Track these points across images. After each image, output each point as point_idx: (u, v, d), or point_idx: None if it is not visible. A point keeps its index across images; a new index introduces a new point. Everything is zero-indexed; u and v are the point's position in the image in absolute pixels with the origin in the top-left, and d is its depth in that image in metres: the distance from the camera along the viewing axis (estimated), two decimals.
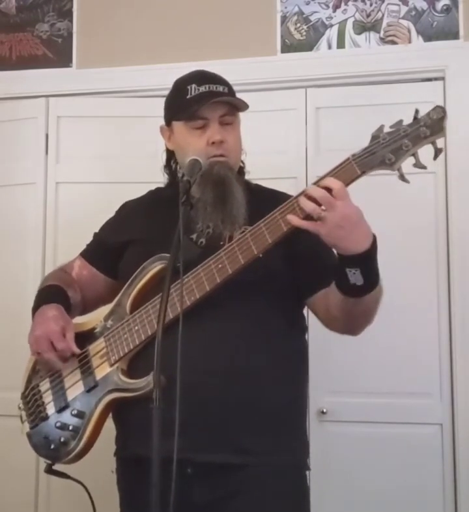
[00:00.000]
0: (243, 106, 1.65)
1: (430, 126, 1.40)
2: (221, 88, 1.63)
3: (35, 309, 1.67)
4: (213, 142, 1.60)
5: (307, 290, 1.62)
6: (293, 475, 1.58)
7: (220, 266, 1.49)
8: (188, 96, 1.62)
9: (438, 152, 1.42)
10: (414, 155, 1.42)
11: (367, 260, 1.41)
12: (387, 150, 1.41)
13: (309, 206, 1.38)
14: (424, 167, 1.41)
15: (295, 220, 1.41)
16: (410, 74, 2.61)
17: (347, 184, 1.41)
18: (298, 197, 1.42)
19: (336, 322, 1.59)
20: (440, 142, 1.42)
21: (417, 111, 1.41)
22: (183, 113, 1.63)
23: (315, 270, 1.59)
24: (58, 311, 1.62)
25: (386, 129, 1.43)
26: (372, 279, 1.44)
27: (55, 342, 1.56)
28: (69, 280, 1.77)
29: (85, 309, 1.78)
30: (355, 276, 1.41)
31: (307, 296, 1.63)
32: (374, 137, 1.43)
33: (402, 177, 1.42)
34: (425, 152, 1.43)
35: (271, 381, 1.54)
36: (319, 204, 1.37)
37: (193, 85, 1.62)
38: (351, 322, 1.57)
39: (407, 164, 1.43)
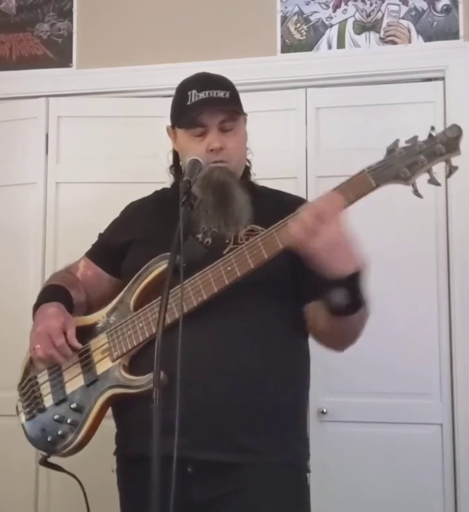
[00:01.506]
0: (241, 113, 1.66)
1: (446, 144, 1.42)
2: (221, 94, 1.62)
3: (36, 307, 1.67)
4: (212, 150, 1.60)
5: (305, 297, 1.62)
6: (293, 475, 1.58)
7: (229, 268, 1.48)
8: (188, 103, 1.61)
9: (452, 169, 1.43)
10: (429, 171, 1.43)
11: (352, 283, 1.42)
12: (403, 165, 1.42)
13: (307, 218, 1.38)
14: (438, 184, 1.43)
15: (292, 230, 1.41)
16: (410, 74, 2.61)
17: (360, 196, 1.43)
18: (289, 219, 1.44)
19: (321, 335, 1.61)
20: (454, 161, 1.43)
21: (432, 128, 1.43)
22: (182, 121, 1.64)
23: (313, 280, 1.59)
24: (59, 309, 1.62)
25: (401, 144, 1.44)
26: (357, 300, 1.45)
27: (53, 338, 1.56)
28: (72, 280, 1.77)
29: (89, 309, 1.77)
30: (340, 296, 1.43)
31: (304, 302, 1.63)
32: (390, 151, 1.44)
33: (416, 192, 1.44)
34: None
35: (272, 381, 1.54)
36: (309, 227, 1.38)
37: (194, 91, 1.61)
38: (334, 339, 1.59)
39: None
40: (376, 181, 1.43)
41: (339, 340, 1.60)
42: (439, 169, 1.43)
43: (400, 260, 2.53)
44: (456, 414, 2.46)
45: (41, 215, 2.76)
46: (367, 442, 2.50)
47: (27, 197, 2.78)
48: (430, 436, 2.48)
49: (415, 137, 1.44)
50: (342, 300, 1.42)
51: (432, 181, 1.43)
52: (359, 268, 1.40)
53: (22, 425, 1.66)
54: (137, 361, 1.57)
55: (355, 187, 1.43)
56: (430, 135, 1.43)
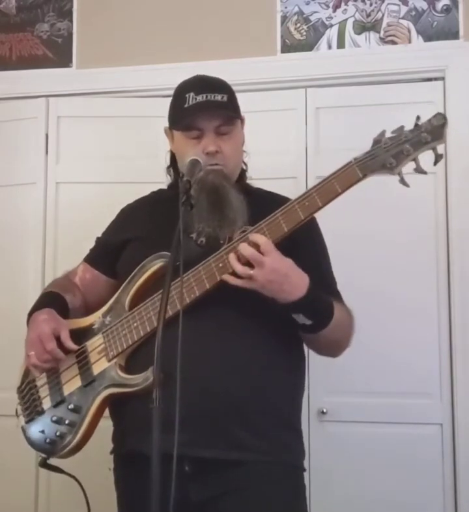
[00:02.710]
0: (238, 118, 1.66)
1: (431, 132, 1.43)
2: (219, 97, 1.62)
3: (29, 315, 1.68)
4: (207, 153, 1.61)
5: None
6: (292, 474, 1.58)
7: (221, 265, 1.49)
8: (185, 105, 1.62)
9: (438, 157, 1.45)
10: (415, 160, 1.45)
11: (306, 306, 1.47)
12: (389, 155, 1.45)
13: (239, 267, 1.45)
14: (424, 173, 1.45)
15: (231, 279, 1.46)
16: (410, 74, 2.61)
17: (348, 188, 1.45)
18: (229, 254, 1.48)
19: (308, 346, 1.68)
20: (440, 148, 1.44)
21: (418, 118, 1.44)
22: (179, 124, 1.65)
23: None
24: (50, 315, 1.63)
25: (388, 134, 1.46)
26: (320, 318, 1.51)
27: (44, 344, 1.57)
28: (68, 285, 1.78)
29: (88, 312, 1.78)
30: (300, 318, 1.49)
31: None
32: (376, 142, 1.46)
33: (402, 181, 1.46)
34: (425, 156, 1.44)
35: (271, 380, 1.54)
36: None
37: (191, 94, 1.62)
38: (321, 349, 1.67)
39: (408, 167, 1.44)
40: (362, 172, 1.45)
41: (322, 351, 1.68)
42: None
43: (400, 260, 2.53)
44: (456, 414, 2.46)
45: (41, 215, 2.75)
46: (367, 442, 2.50)
47: (27, 197, 2.78)
48: (430, 436, 2.48)
49: (401, 127, 1.46)
50: (304, 321, 1.49)
51: (418, 170, 1.45)
52: (309, 290, 1.45)
53: (22, 427, 1.67)
54: (133, 360, 1.57)
55: (343, 179, 1.45)
56: (415, 125, 1.45)
